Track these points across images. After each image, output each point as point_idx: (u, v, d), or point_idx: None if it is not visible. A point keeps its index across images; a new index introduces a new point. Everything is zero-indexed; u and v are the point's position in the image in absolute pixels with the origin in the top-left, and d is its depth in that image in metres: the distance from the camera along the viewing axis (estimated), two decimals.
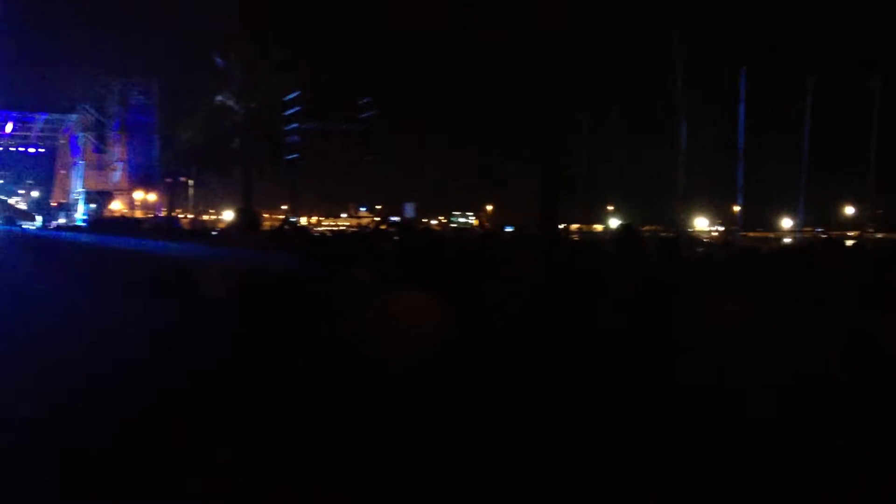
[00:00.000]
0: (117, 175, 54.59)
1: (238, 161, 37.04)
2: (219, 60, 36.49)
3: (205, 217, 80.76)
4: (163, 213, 53.90)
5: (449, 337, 4.38)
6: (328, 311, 4.87)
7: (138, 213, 54.27)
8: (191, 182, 56.66)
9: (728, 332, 4.14)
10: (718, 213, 46.30)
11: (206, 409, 3.95)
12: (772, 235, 43.28)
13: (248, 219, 9.79)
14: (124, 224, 36.11)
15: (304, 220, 56.24)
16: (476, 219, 58.69)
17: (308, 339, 4.75)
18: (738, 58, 34.29)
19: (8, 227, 13.81)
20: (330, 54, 34.87)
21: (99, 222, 46.58)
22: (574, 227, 42.49)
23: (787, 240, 39.49)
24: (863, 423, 3.16)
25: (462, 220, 59.75)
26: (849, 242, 16.69)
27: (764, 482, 3.15)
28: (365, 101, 36.63)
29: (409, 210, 43.49)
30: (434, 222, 56.07)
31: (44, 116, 54.55)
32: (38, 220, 51.33)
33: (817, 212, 43.95)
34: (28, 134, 56.69)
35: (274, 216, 41.94)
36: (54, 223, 48.51)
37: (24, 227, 21.86)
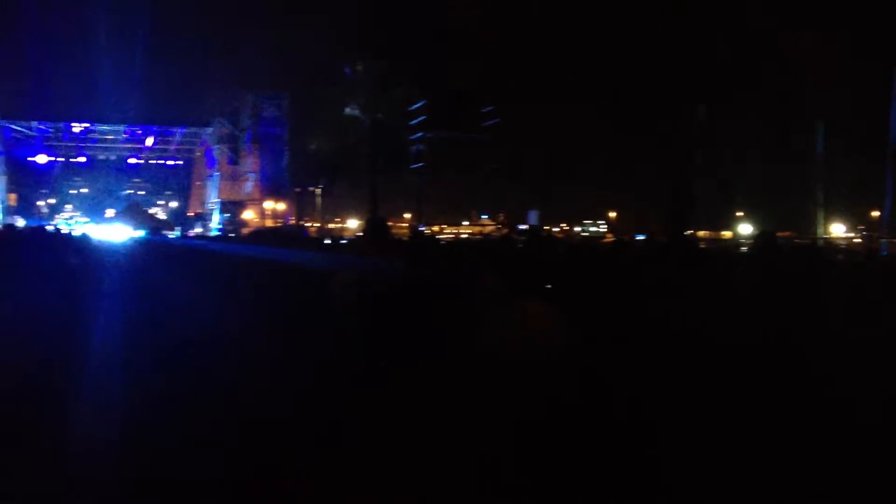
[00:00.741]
0: (249, 185, 56.41)
1: (364, 170, 37.70)
2: (347, 72, 37.25)
3: (331, 225, 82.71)
4: (291, 222, 55.45)
5: (575, 345, 4.34)
6: (461, 319, 4.89)
7: (268, 222, 56.04)
8: (318, 191, 58.15)
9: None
10: (856, 218, 44.12)
11: (342, 410, 4.01)
12: None
13: (377, 227, 9.95)
14: (259, 234, 37.31)
15: (426, 229, 56.81)
16: (607, 227, 57.44)
17: (439, 344, 4.77)
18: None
19: (152, 237, 14.51)
20: (454, 64, 35.14)
21: (232, 232, 48.46)
22: (702, 233, 41.32)
23: None
24: None
25: (593, 228, 58.50)
26: None
27: None
28: (489, 109, 36.72)
29: (533, 217, 43.20)
30: (556, 230, 55.57)
31: (182, 130, 56.97)
32: (177, 229, 53.57)
33: None
34: (167, 147, 59.35)
35: (398, 224, 42.51)
36: (191, 232, 50.51)
37: (166, 235, 22.97)
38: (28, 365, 4.91)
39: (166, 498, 3.24)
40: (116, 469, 3.35)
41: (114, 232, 37.18)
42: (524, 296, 4.88)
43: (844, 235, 44.48)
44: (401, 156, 36.68)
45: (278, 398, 4.23)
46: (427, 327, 5.03)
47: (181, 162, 61.64)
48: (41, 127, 53.75)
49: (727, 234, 47.16)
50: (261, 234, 36.95)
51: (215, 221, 53.44)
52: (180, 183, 64.12)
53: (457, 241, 18.50)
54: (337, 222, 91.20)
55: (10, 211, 53.43)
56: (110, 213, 53.68)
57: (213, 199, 55.90)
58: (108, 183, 60.78)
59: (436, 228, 64.42)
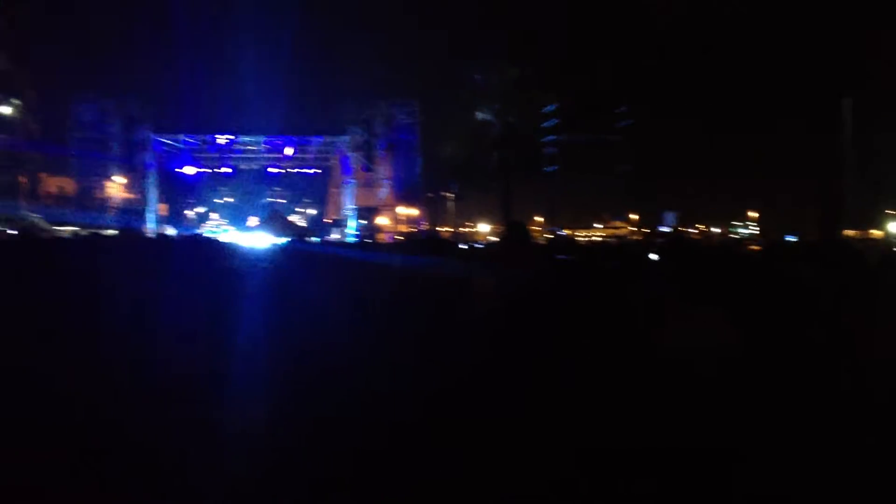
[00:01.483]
0: (383, 192, 57.45)
1: (496, 174, 37.75)
2: (477, 78, 37.44)
3: (463, 230, 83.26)
4: (424, 227, 56.18)
5: (736, 355, 4.22)
6: (628, 325, 4.83)
7: (402, 228, 56.95)
8: (450, 196, 58.68)
9: None
10: None
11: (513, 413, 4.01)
12: None
13: (517, 232, 9.91)
14: (398, 240, 37.92)
15: (564, 232, 56.36)
16: (757, 228, 54.88)
17: (595, 350, 4.72)
18: None
19: (294, 244, 15.04)
20: (586, 66, 34.76)
21: (368, 237, 49.50)
22: (850, 232, 39.33)
23: None
24: None
25: (741, 229, 55.97)
26: None
27: None
28: (622, 109, 36.13)
29: (670, 219, 42.21)
30: (694, 231, 54.06)
31: (319, 140, 58.50)
32: (315, 236, 55.02)
33: None
34: (306, 156, 61.03)
35: (530, 227, 42.29)
36: (329, 238, 51.86)
37: (307, 242, 23.78)
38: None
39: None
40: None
41: (257, 239, 38.64)
42: (687, 301, 4.77)
43: None
44: (533, 159, 36.52)
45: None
46: (597, 332, 4.97)
47: (318, 170, 63.25)
48: (189, 140, 56.36)
49: (878, 232, 44.72)
50: (399, 240, 37.72)
51: (351, 227, 54.67)
52: (317, 190, 65.89)
53: (594, 245, 18.09)
54: (469, 226, 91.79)
55: (160, 220, 56.30)
56: (253, 220, 55.75)
57: (348, 206, 57.19)
58: (251, 192, 63.11)
59: (567, 231, 63.86)
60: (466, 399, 4.20)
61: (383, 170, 57.13)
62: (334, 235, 54.46)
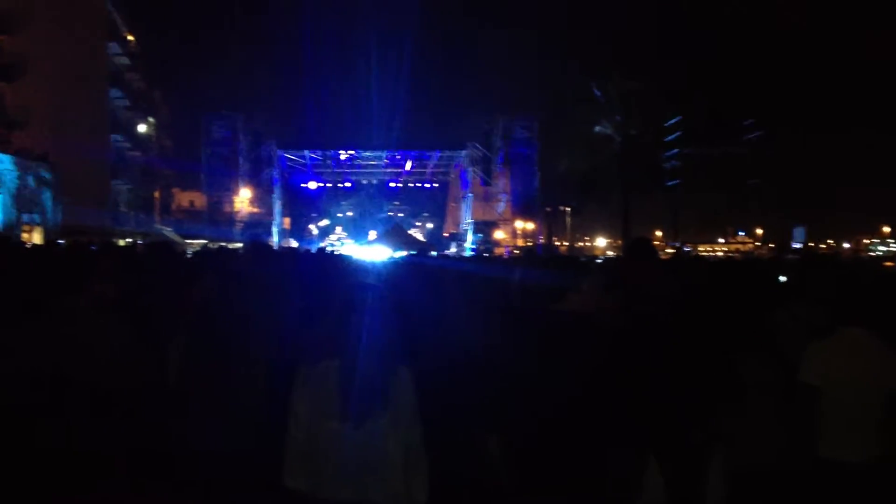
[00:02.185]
0: (501, 206, 57.53)
1: (616, 189, 37.20)
2: (597, 92, 37.04)
3: (580, 244, 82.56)
4: (541, 241, 55.91)
5: None
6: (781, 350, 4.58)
7: (519, 242, 56.86)
8: (568, 210, 58.27)
9: None
10: None
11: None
12: None
13: (642, 248, 9.64)
14: (511, 256, 37.81)
15: (688, 247, 55.06)
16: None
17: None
18: None
19: (415, 258, 15.19)
20: (710, 77, 33.93)
21: (485, 251, 49.55)
22: None
23: None
24: None
25: (882, 248, 53.00)
26: None
27: None
28: (749, 122, 35.00)
29: (799, 234, 40.61)
30: (823, 246, 51.95)
31: (437, 154, 59.11)
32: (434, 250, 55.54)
33: None
34: (424, 171, 61.81)
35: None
36: (447, 252, 52.18)
37: (428, 256, 23.94)
38: None
39: None
40: None
41: (377, 252, 39.23)
42: (844, 324, 4.48)
43: None
44: (654, 173, 35.77)
45: None
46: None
47: (437, 184, 63.95)
48: (312, 155, 57.91)
49: None
50: (516, 254, 37.63)
51: (469, 241, 54.89)
52: (436, 204, 66.56)
53: (721, 261, 17.48)
54: (586, 241, 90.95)
55: (284, 234, 57.96)
56: (373, 234, 56.69)
57: (466, 220, 57.49)
58: (371, 206, 64.25)
59: (690, 246, 62.35)
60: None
61: (501, 184, 57.23)
62: (452, 249, 54.78)
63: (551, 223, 59.23)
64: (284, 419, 3.46)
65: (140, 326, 4.61)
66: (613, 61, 36.16)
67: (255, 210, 55.88)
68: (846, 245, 57.43)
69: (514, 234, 58.11)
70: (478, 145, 56.57)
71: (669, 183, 36.01)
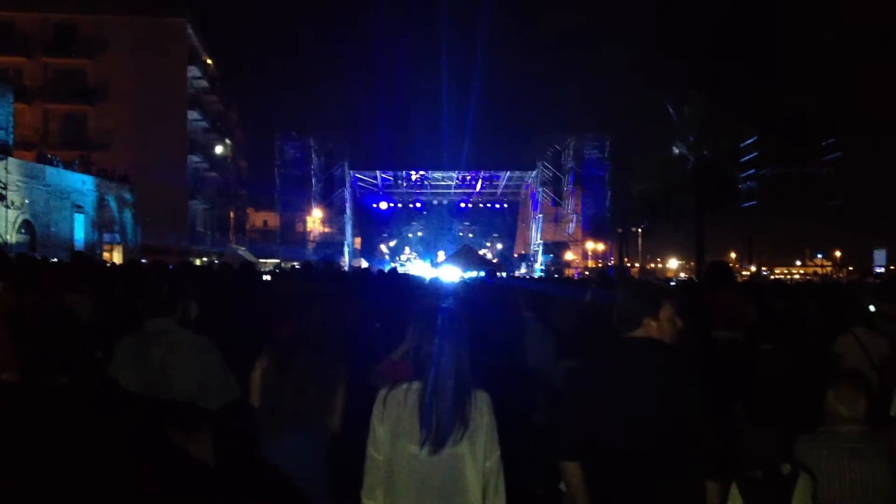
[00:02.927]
0: (571, 227, 57.18)
1: (689, 210, 36.59)
2: (671, 111, 36.58)
3: (651, 266, 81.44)
4: (612, 263, 55.32)
5: None
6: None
7: (590, 263, 56.37)
8: (639, 231, 57.59)
9: None
10: None
11: None
12: None
13: (719, 274, 9.41)
14: (581, 277, 37.47)
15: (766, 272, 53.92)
16: None
17: None
18: None
19: (487, 279, 15.08)
20: (788, 96, 33.25)
21: (556, 272, 49.22)
22: None
23: None
24: None
25: None
26: None
27: None
28: (829, 141, 34.08)
29: (880, 257, 39.33)
30: None
31: (507, 174, 59.15)
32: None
33: None
34: (494, 191, 61.86)
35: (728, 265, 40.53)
36: (516, 273, 52.00)
37: (498, 277, 23.88)
38: None
39: None
40: None
41: (447, 273, 39.32)
42: None
43: None
44: (729, 194, 35.07)
45: None
46: None
47: (507, 205, 63.91)
48: (384, 176, 58.49)
49: None
50: (586, 275, 37.28)
51: (539, 262, 54.62)
52: (506, 225, 66.51)
53: (801, 285, 16.99)
54: (657, 263, 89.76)
55: (355, 254, 58.55)
56: (442, 255, 56.87)
57: (536, 241, 57.25)
58: (441, 226, 64.52)
59: (765, 269, 60.95)
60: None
61: (572, 204, 56.93)
62: (521, 270, 54.59)
63: (622, 244, 58.62)
64: (360, 438, 3.47)
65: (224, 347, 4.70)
66: (688, 80, 35.64)
67: (327, 230, 56.58)
68: None
69: (584, 255, 57.66)
70: (548, 165, 56.44)
71: (745, 204, 35.27)
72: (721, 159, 34.82)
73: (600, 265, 54.51)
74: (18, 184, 28.79)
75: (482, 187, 60.36)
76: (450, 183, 59.72)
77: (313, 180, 55.30)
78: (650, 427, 3.36)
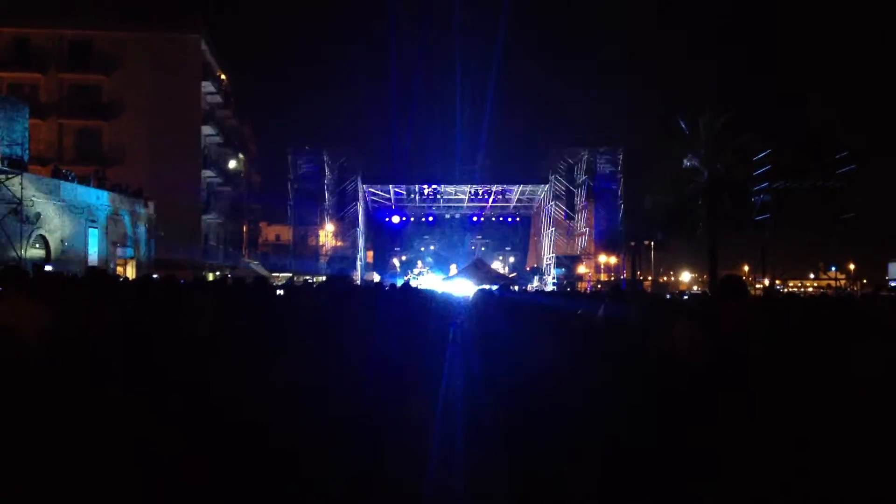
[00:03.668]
0: (584, 240, 57.11)
1: (702, 224, 36.44)
2: (683, 125, 36.48)
3: (664, 279, 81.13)
4: (624, 276, 55.17)
5: None
6: None
7: (602, 276, 56.24)
8: (652, 244, 57.43)
9: None
10: None
11: None
12: None
13: (732, 287, 9.38)
14: (594, 291, 37.41)
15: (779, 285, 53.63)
16: None
17: None
18: None
19: (499, 293, 15.04)
20: (801, 109, 33.16)
21: (568, 286, 49.14)
22: None
23: None
24: None
25: None
26: None
27: None
28: (843, 154, 33.85)
29: (894, 270, 39.11)
30: None
31: (520, 188, 59.21)
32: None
33: None
34: (507, 205, 61.93)
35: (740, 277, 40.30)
36: (529, 286, 51.94)
37: (510, 291, 23.83)
38: None
39: None
40: None
41: (459, 286, 39.32)
42: None
43: None
44: (742, 208, 34.90)
45: None
46: None
47: (519, 218, 63.93)
48: (396, 190, 58.64)
49: None
50: (598, 289, 37.24)
51: (551, 276, 54.54)
52: (518, 238, 66.45)
53: (815, 298, 16.84)
54: (670, 276, 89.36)
55: (368, 267, 58.63)
56: (454, 268, 56.84)
57: (548, 254, 57.20)
58: (453, 240, 64.51)
59: (777, 281, 60.63)
60: None
61: (584, 218, 56.89)
62: (534, 283, 54.52)
63: (635, 258, 58.47)
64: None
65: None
66: (700, 94, 35.60)
67: (340, 244, 56.71)
68: None
69: (597, 268, 57.57)
70: (561, 179, 56.47)
71: (758, 218, 35.07)
72: (734, 173, 34.69)
73: (613, 278, 54.37)
74: (33, 199, 28.98)
75: (494, 201, 60.44)
76: (462, 197, 59.82)
77: (326, 194, 55.49)
78: (659, 435, 3.36)
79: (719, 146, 35.07)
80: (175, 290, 8.35)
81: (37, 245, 29.80)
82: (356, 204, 56.45)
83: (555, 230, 57.11)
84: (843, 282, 74.10)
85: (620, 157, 55.47)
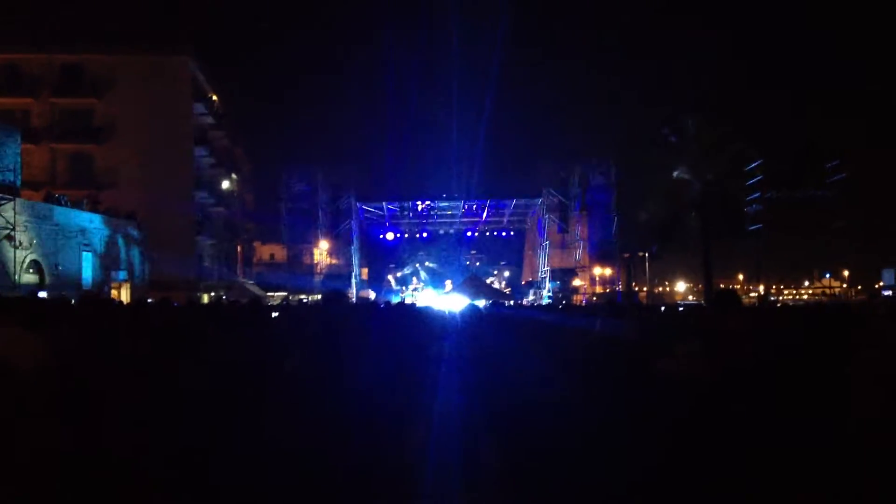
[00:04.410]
0: (579, 253, 57.19)
1: (695, 234, 36.52)
2: (672, 137, 36.59)
3: (659, 289, 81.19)
4: (619, 288, 55.21)
5: None
6: None
7: (598, 289, 56.26)
8: (647, 255, 57.52)
9: None
10: None
11: None
12: None
13: (727, 301, 9.36)
14: (589, 304, 37.38)
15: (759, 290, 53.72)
16: None
17: None
18: None
19: (493, 308, 15.03)
20: (791, 119, 33.22)
21: (563, 299, 49.09)
22: None
23: None
24: None
25: None
26: None
27: None
28: (833, 163, 34.01)
29: (889, 277, 39.16)
30: None
31: (513, 202, 59.30)
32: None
33: None
34: (501, 219, 62.01)
35: (730, 287, 40.43)
36: (524, 300, 51.92)
37: (505, 305, 23.84)
38: None
39: None
40: None
41: (454, 302, 39.28)
42: None
43: None
44: (735, 217, 35.00)
45: None
46: None
47: (513, 232, 64.00)
48: (390, 206, 58.68)
49: None
50: (594, 301, 37.29)
51: (547, 289, 54.56)
52: (513, 253, 66.54)
53: (809, 308, 16.79)
54: (665, 286, 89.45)
55: (362, 284, 58.55)
56: (449, 284, 56.85)
57: (544, 268, 57.24)
58: (447, 255, 64.57)
59: (771, 290, 60.70)
60: None
61: (578, 231, 57.00)
62: (530, 297, 54.54)
63: (630, 269, 58.53)
64: None
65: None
66: (690, 105, 35.70)
67: (334, 261, 56.67)
68: None
69: (592, 280, 57.61)
70: (554, 192, 56.56)
71: (751, 227, 35.17)
72: (726, 183, 34.80)
73: (608, 290, 54.40)
74: (27, 224, 28.89)
75: (488, 215, 60.53)
76: (456, 212, 59.88)
77: (320, 212, 55.49)
78: (662, 456, 3.35)
79: (710, 157, 35.19)
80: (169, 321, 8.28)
81: (30, 270, 29.70)
82: (350, 221, 56.49)
83: (549, 243, 57.16)
84: (837, 289, 74.25)
85: (613, 169, 55.60)
